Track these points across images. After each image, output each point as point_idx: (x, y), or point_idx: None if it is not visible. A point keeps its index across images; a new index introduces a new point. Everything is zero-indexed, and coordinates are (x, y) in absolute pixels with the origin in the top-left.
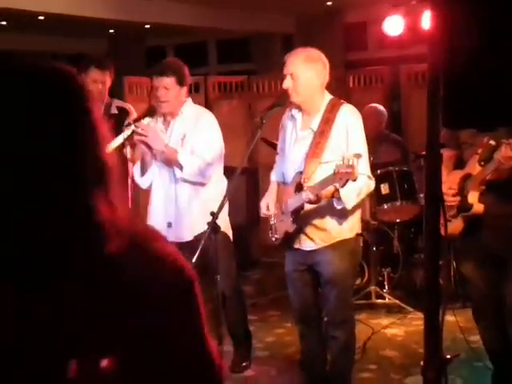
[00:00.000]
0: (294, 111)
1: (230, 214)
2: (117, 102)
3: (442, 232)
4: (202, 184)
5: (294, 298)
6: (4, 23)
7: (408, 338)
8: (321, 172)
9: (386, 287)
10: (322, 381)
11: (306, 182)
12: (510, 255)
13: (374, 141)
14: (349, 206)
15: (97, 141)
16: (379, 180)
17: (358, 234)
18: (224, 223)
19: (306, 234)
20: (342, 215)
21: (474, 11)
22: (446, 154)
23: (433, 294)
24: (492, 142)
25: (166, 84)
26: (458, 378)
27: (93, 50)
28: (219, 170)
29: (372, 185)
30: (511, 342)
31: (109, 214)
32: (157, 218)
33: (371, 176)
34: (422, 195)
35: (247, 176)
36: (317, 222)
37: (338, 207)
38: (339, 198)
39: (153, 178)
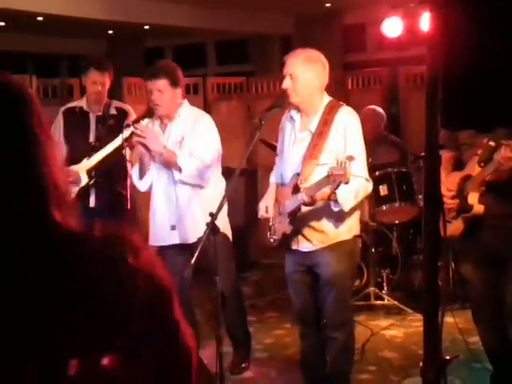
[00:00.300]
0: (293, 112)
1: (228, 216)
2: (116, 103)
3: (442, 233)
4: (201, 186)
5: (295, 299)
6: (2, 24)
7: (407, 339)
8: (318, 174)
9: (385, 288)
10: (322, 382)
11: (302, 183)
12: (509, 255)
13: (373, 142)
14: (346, 209)
15: (43, 156)
16: (378, 181)
17: (356, 236)
18: (223, 224)
19: (303, 236)
20: (340, 217)
21: (473, 13)
22: (445, 155)
23: (432, 295)
24: (491, 143)
25: (160, 87)
26: (457, 379)
27: (91, 51)
28: (217, 171)
29: (370, 187)
30: (511, 343)
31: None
32: (160, 220)
33: (369, 178)
34: (420, 196)
35: (246, 177)
36: (314, 223)
37: (336, 209)
38: (336, 201)
39: (152, 181)
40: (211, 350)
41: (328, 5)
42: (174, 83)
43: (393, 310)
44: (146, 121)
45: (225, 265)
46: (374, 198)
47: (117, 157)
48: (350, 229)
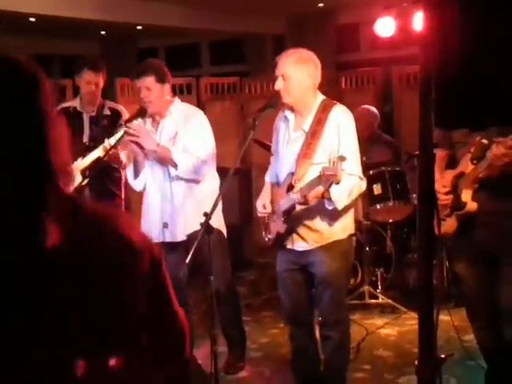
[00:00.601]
0: (287, 112)
1: (223, 215)
2: (109, 104)
3: (436, 231)
4: (197, 181)
5: (285, 298)
6: None
7: (401, 337)
8: (312, 173)
9: (380, 287)
10: (316, 381)
11: (296, 182)
12: (503, 253)
13: (367, 141)
14: (340, 207)
15: (53, 133)
16: (372, 180)
17: (351, 235)
18: (218, 221)
19: (298, 235)
20: (334, 216)
21: (467, 12)
22: (439, 153)
23: (427, 293)
24: (484, 141)
25: (147, 84)
26: (452, 377)
27: (85, 52)
28: (212, 168)
29: (363, 185)
30: (505, 341)
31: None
32: (152, 217)
33: (363, 177)
34: (414, 195)
35: (240, 177)
36: (308, 222)
37: (330, 208)
38: (330, 199)
39: (146, 180)
40: (206, 350)
41: (321, 5)
42: (161, 79)
43: (387, 309)
44: (138, 120)
45: (220, 262)
46: (368, 197)
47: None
48: (344, 228)
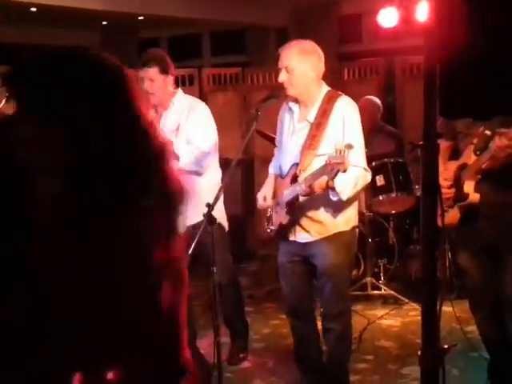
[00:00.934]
0: (292, 103)
1: (225, 206)
2: None
3: (439, 223)
4: (199, 173)
5: (286, 290)
6: None
7: (404, 328)
8: (317, 164)
9: (382, 278)
10: (318, 372)
11: (301, 173)
12: (505, 244)
13: (369, 133)
14: (344, 197)
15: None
16: (374, 172)
17: (354, 227)
18: (220, 214)
19: (301, 226)
20: (338, 207)
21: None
22: (443, 144)
23: (430, 285)
24: (487, 132)
25: (151, 75)
26: (454, 368)
27: (86, 42)
28: (215, 159)
29: (368, 176)
30: (508, 332)
31: None
32: None
33: (367, 168)
34: (417, 186)
35: (242, 168)
36: (312, 214)
37: (334, 198)
38: (334, 189)
39: None
40: (209, 341)
41: None
42: (165, 70)
43: (390, 300)
44: None
45: (221, 255)
46: (371, 189)
47: None
48: (348, 220)
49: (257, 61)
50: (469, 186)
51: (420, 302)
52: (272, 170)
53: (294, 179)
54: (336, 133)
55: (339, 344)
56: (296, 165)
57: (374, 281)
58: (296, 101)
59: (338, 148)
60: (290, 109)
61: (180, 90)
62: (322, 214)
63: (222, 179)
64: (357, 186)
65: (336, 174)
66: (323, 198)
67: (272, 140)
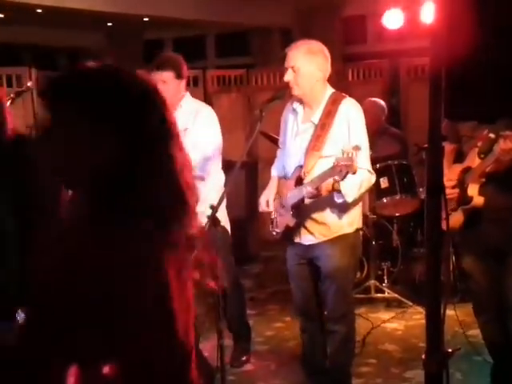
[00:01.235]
0: (296, 104)
1: (228, 208)
2: None
3: (444, 226)
4: (202, 178)
5: (296, 292)
6: (1, 16)
7: (407, 332)
8: (321, 166)
9: (386, 281)
10: (322, 374)
11: (306, 175)
12: (510, 248)
13: (374, 135)
14: (349, 200)
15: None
16: (378, 174)
17: (358, 229)
18: (222, 217)
19: (306, 228)
20: (342, 210)
21: (478, 4)
22: (447, 147)
23: (434, 288)
24: (491, 135)
25: (165, 78)
26: (458, 371)
27: (91, 43)
28: (217, 163)
29: (373, 179)
30: (511, 336)
31: None
32: None
33: (372, 170)
34: (421, 189)
35: (246, 170)
36: (317, 216)
37: (339, 201)
38: (339, 192)
39: None
40: (212, 344)
41: None
42: (179, 75)
43: (393, 303)
44: None
45: (224, 258)
46: (375, 191)
47: None
48: (352, 222)
49: (261, 62)
50: (473, 189)
51: (424, 306)
52: (275, 171)
53: (299, 181)
54: (341, 134)
55: (343, 346)
56: (300, 167)
57: (378, 284)
58: (300, 101)
59: (345, 150)
60: (294, 110)
61: (188, 94)
62: (326, 215)
63: (226, 182)
64: (361, 189)
65: (345, 176)
66: (328, 200)
67: (275, 141)
